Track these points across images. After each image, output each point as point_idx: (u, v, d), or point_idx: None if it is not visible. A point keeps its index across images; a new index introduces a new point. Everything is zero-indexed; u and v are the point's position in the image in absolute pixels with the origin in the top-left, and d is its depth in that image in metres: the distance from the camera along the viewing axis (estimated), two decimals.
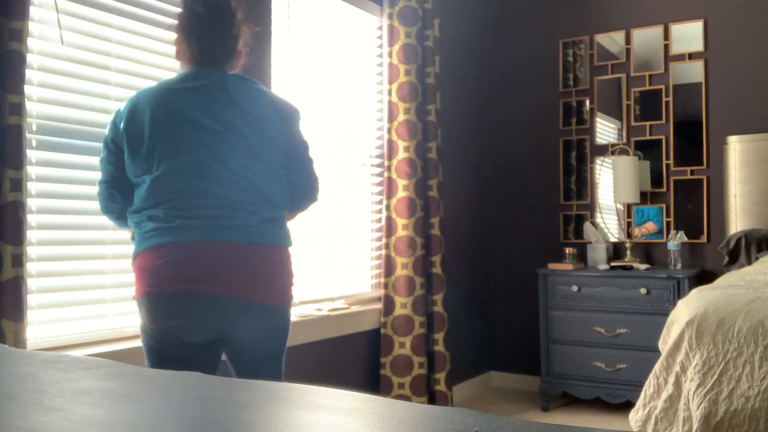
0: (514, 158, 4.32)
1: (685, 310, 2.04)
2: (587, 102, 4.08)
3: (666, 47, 3.84)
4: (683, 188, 3.79)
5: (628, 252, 3.75)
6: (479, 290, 4.27)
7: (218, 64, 1.80)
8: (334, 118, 3.19)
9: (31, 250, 1.99)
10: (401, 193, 3.33)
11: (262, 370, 1.74)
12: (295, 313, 2.90)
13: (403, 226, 3.32)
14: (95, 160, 2.17)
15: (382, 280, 3.32)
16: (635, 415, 2.05)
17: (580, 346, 3.61)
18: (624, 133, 3.96)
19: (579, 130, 4.10)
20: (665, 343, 2.11)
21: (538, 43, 4.25)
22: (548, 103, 4.20)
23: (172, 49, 2.43)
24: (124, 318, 2.26)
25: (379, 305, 3.33)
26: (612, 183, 3.82)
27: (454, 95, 4.02)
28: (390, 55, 3.37)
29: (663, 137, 3.84)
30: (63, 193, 2.10)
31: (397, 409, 0.72)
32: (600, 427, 0.65)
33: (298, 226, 2.69)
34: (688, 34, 3.78)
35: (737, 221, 3.50)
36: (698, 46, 3.76)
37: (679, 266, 3.62)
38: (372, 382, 3.29)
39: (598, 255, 3.83)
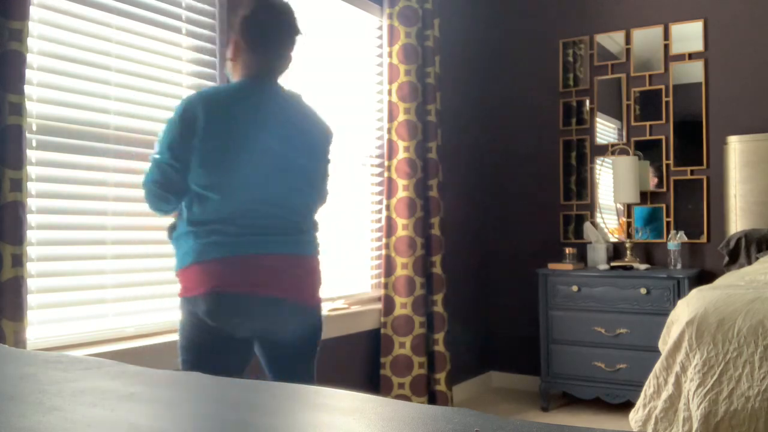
0: (514, 158, 4.32)
1: (685, 310, 2.04)
2: (587, 102, 4.08)
3: (666, 47, 3.84)
4: (683, 188, 3.80)
5: (628, 252, 3.74)
6: (479, 290, 4.27)
7: (276, 77, 1.90)
8: (334, 118, 3.19)
9: (31, 250, 1.99)
10: (401, 193, 3.33)
11: (299, 368, 1.90)
12: None
13: (403, 226, 3.32)
14: (95, 160, 2.17)
15: (382, 280, 3.32)
16: (635, 415, 2.05)
17: (580, 346, 3.61)
18: (624, 133, 3.96)
19: (579, 130, 4.10)
20: (665, 343, 2.11)
21: (538, 43, 4.25)
22: (548, 103, 4.20)
23: (172, 49, 2.44)
24: (124, 318, 2.27)
25: (379, 305, 3.33)
26: (612, 183, 3.82)
27: (454, 95, 4.02)
28: (390, 55, 3.37)
29: (663, 137, 3.84)
30: (63, 193, 2.10)
31: (397, 409, 0.72)
32: (600, 427, 0.65)
33: None
34: (688, 34, 3.78)
35: (737, 221, 3.50)
36: (698, 46, 3.76)
37: (679, 266, 3.62)
38: (372, 382, 3.30)
39: (598, 255, 3.83)
